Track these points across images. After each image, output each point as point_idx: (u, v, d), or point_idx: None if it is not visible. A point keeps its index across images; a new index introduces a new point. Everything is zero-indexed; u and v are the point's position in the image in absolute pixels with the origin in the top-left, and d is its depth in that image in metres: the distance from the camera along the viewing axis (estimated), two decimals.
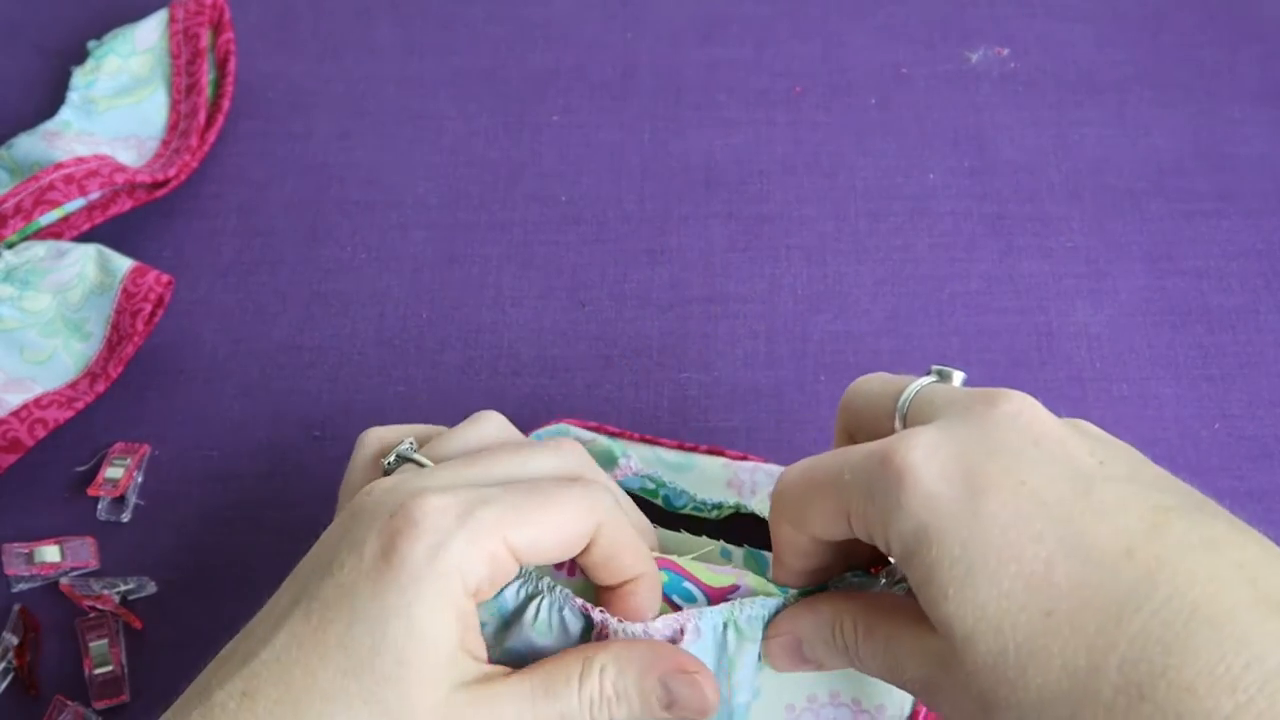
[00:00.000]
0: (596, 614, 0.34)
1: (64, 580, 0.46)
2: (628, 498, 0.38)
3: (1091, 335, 0.52)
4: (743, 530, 0.44)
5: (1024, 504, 0.29)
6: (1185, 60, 0.60)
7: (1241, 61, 0.60)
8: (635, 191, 0.57)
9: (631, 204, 0.56)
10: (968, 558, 0.29)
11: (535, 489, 0.33)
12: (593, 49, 0.62)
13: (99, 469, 0.48)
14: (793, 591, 0.36)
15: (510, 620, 0.34)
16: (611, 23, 0.63)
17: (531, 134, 0.59)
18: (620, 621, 0.34)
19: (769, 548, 0.39)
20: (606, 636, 0.34)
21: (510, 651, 0.34)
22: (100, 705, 0.44)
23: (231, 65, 0.60)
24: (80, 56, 0.61)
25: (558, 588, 0.34)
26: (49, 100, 0.60)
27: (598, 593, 0.35)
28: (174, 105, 0.59)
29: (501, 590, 0.34)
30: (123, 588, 0.46)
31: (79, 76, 0.58)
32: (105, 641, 0.45)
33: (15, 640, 0.45)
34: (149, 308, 0.50)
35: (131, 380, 0.51)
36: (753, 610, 0.35)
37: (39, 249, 0.51)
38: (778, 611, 0.35)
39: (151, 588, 0.46)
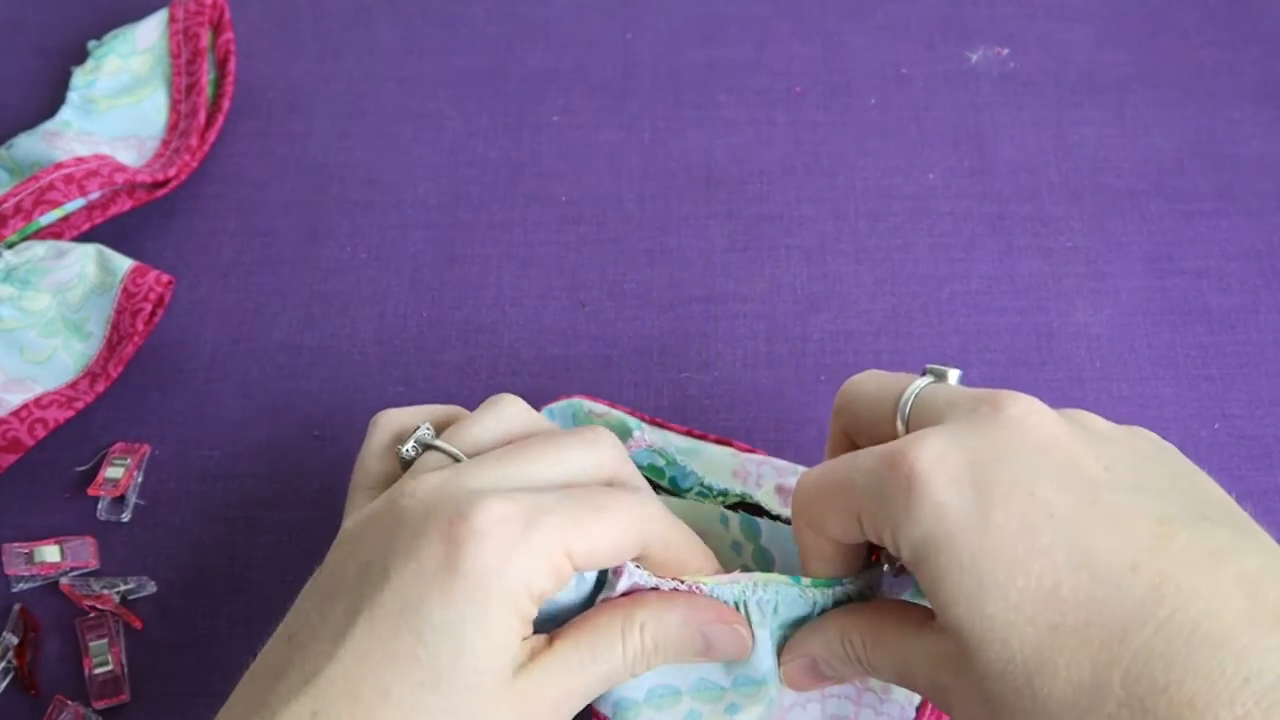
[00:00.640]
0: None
1: (64, 580, 0.46)
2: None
3: (1091, 335, 0.52)
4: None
5: (1033, 515, 0.29)
6: (1185, 60, 0.60)
7: (1241, 61, 0.60)
8: (635, 191, 0.57)
9: (631, 204, 0.56)
10: (977, 569, 0.29)
11: (590, 499, 0.33)
12: (593, 49, 0.62)
13: (99, 469, 0.48)
14: (806, 580, 0.36)
15: None
16: (611, 23, 0.63)
17: (531, 134, 0.59)
18: (643, 573, 0.35)
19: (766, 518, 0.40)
20: (620, 576, 0.35)
21: None
22: (100, 705, 0.44)
23: (231, 65, 0.60)
24: (80, 56, 0.61)
25: None
26: (49, 100, 0.60)
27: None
28: (174, 105, 0.59)
29: None
30: (123, 588, 0.46)
31: (79, 76, 0.58)
32: (105, 641, 0.45)
33: (15, 640, 0.45)
34: (149, 308, 0.50)
35: (131, 380, 0.51)
36: (764, 594, 0.35)
37: (39, 249, 0.51)
38: (788, 599, 0.36)
39: (151, 588, 0.46)
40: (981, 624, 0.29)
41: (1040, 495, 0.29)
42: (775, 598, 0.35)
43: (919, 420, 0.34)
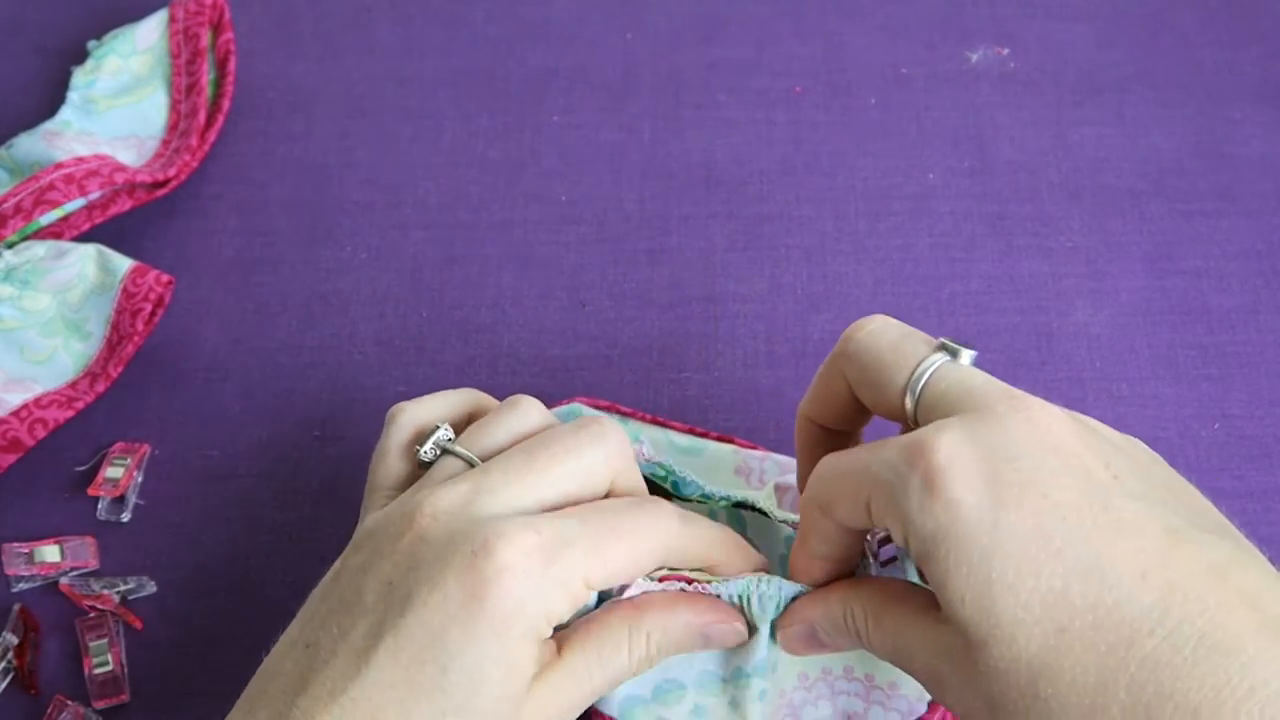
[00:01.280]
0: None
1: (64, 580, 0.46)
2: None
3: (1091, 335, 0.52)
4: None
5: (1044, 518, 0.29)
6: (1185, 60, 0.60)
7: (1241, 61, 0.60)
8: (635, 191, 0.57)
9: (631, 204, 0.56)
10: (986, 567, 0.29)
11: (611, 524, 0.34)
12: (593, 49, 0.62)
13: (99, 469, 0.48)
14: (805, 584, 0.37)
15: None
16: (611, 23, 0.63)
17: (531, 134, 0.59)
18: (652, 583, 0.36)
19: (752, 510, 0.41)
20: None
21: None
22: (100, 705, 0.44)
23: (231, 65, 0.60)
24: (80, 56, 0.61)
25: None
26: (49, 100, 0.60)
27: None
28: (174, 105, 0.59)
29: None
30: (123, 588, 0.46)
31: (79, 76, 0.58)
32: (105, 641, 0.45)
33: (15, 640, 0.45)
34: (149, 307, 0.50)
35: (131, 380, 0.51)
36: (767, 589, 0.36)
37: (39, 249, 0.51)
38: (793, 597, 0.36)
39: (151, 588, 0.46)
40: (988, 621, 0.29)
41: (1054, 497, 0.29)
42: (778, 593, 0.36)
43: (930, 399, 0.34)
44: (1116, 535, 0.29)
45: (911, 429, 0.34)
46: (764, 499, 0.42)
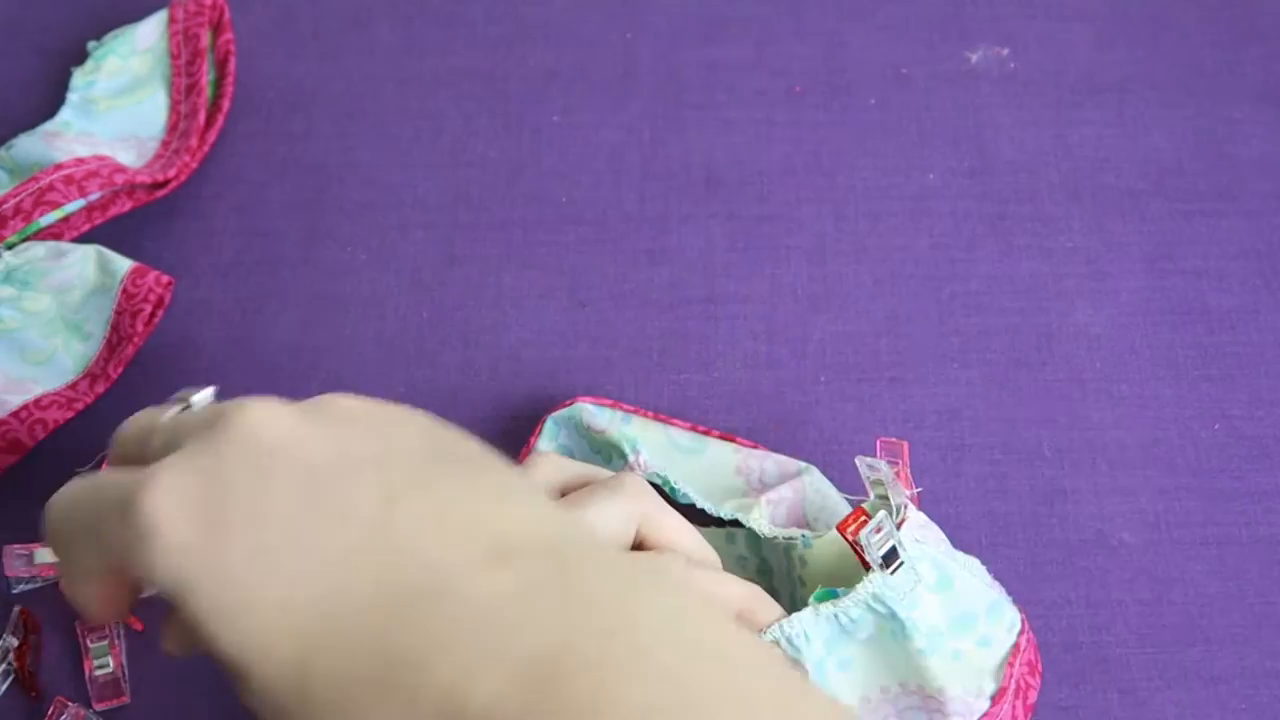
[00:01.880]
0: None
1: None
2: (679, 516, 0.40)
3: (1091, 335, 0.52)
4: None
5: (263, 536, 0.29)
6: (1185, 60, 0.60)
7: (1241, 61, 0.60)
8: (635, 191, 0.57)
9: (631, 204, 0.56)
10: (223, 601, 0.29)
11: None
12: (593, 49, 0.62)
13: (99, 470, 0.48)
14: (811, 601, 0.37)
15: None
16: (611, 23, 0.62)
17: (531, 134, 0.59)
18: None
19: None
20: None
21: None
22: (101, 707, 0.44)
23: (231, 65, 0.60)
24: (80, 57, 0.60)
25: None
26: (49, 100, 0.60)
27: None
28: (174, 106, 0.59)
29: None
30: None
31: (79, 77, 0.58)
32: (105, 642, 0.45)
33: (15, 642, 0.45)
34: (149, 308, 0.50)
35: (132, 381, 0.51)
36: (794, 630, 0.37)
37: (39, 250, 0.51)
38: (809, 624, 0.37)
39: (152, 589, 0.46)
40: (244, 650, 0.29)
41: (266, 512, 0.30)
42: (800, 627, 0.37)
43: (168, 453, 0.33)
44: (330, 523, 0.29)
45: None
46: (755, 518, 0.42)
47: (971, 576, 0.39)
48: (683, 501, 0.44)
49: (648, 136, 0.58)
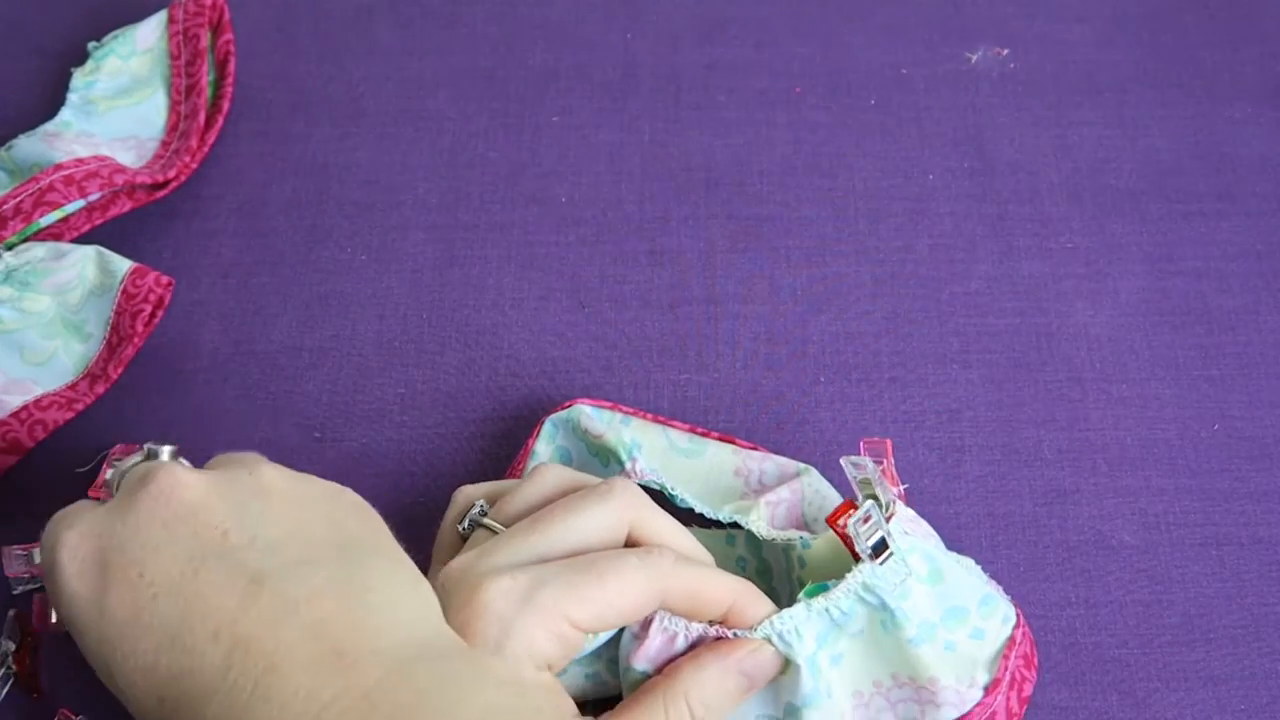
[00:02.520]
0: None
1: None
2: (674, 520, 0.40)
3: (1091, 336, 0.52)
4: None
5: (139, 596, 0.32)
6: (1185, 60, 0.60)
7: (1241, 61, 0.60)
8: (635, 191, 0.57)
9: (631, 204, 0.56)
10: (101, 655, 0.32)
11: (591, 565, 0.35)
12: (593, 49, 0.62)
13: (99, 471, 0.48)
14: (801, 596, 0.37)
15: None
16: (611, 23, 0.63)
17: (531, 134, 0.59)
18: (673, 619, 0.37)
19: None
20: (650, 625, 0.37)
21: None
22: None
23: (231, 66, 0.60)
24: (80, 57, 0.60)
25: None
26: (49, 101, 0.60)
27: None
28: (174, 106, 0.59)
29: None
30: None
31: (79, 77, 0.58)
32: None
33: (13, 646, 0.44)
34: (149, 309, 0.50)
35: (132, 381, 0.51)
36: (784, 626, 0.37)
37: (39, 250, 0.51)
38: (801, 620, 0.37)
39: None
40: (119, 694, 0.32)
41: (148, 576, 0.32)
42: (792, 623, 0.37)
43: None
44: (200, 599, 0.31)
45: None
46: (754, 520, 0.42)
47: (963, 570, 0.39)
48: (681, 506, 0.44)
49: (648, 136, 0.58)
